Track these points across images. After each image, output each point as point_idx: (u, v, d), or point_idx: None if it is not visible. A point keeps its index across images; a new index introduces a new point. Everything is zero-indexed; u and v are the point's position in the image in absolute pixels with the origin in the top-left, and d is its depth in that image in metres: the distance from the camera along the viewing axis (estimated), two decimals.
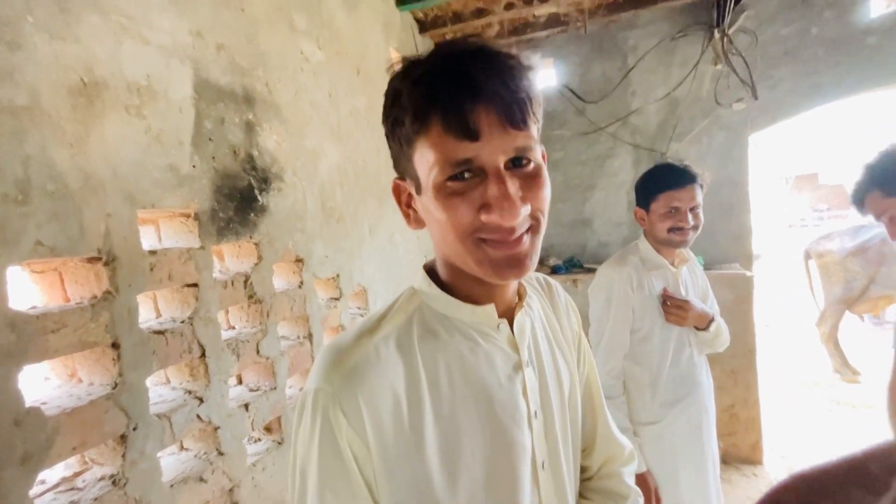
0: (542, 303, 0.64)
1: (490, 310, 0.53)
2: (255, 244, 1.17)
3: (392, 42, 2.09)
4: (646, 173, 1.35)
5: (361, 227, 1.71)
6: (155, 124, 0.94)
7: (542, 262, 3.09)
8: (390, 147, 0.51)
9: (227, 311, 1.18)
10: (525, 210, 0.45)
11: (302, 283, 1.34)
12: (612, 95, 2.84)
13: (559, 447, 0.57)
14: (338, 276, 1.53)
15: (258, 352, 1.14)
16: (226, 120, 1.10)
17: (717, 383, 2.86)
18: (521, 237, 0.46)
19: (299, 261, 1.34)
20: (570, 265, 2.86)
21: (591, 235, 3.02)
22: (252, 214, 1.17)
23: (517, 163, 0.46)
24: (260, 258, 1.18)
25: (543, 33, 2.68)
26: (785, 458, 2.80)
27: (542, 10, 2.51)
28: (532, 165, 0.47)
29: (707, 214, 2.83)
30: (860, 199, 1.25)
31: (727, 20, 2.34)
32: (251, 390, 1.18)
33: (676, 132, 2.80)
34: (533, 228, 0.48)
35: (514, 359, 0.55)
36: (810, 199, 9.90)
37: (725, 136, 2.73)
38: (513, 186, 0.44)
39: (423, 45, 2.50)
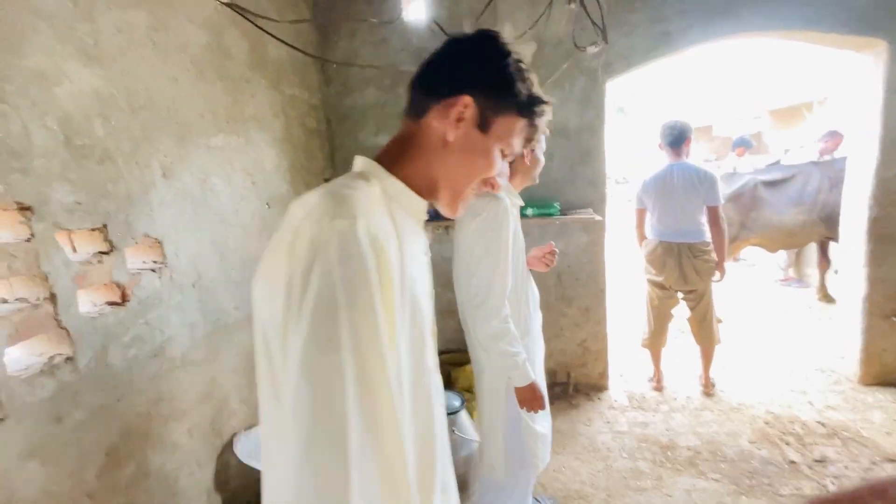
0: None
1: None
2: None
3: None
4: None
5: (146, 170, 1.47)
6: None
7: None
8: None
9: None
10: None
11: (33, 235, 1.12)
12: None
13: None
14: (104, 226, 1.31)
15: None
16: None
17: (572, 320, 3.09)
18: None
19: (26, 209, 1.11)
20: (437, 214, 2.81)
21: None
22: None
23: None
24: None
25: None
26: (627, 382, 3.15)
27: None
28: None
29: (567, 161, 2.93)
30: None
31: None
32: None
33: (541, 75, 2.75)
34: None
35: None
36: (705, 149, 10.74)
37: (585, 82, 2.75)
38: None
39: None
